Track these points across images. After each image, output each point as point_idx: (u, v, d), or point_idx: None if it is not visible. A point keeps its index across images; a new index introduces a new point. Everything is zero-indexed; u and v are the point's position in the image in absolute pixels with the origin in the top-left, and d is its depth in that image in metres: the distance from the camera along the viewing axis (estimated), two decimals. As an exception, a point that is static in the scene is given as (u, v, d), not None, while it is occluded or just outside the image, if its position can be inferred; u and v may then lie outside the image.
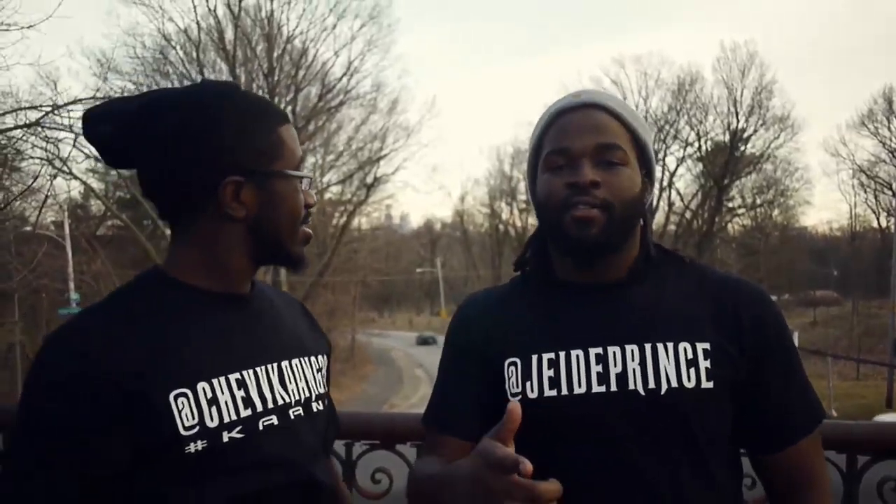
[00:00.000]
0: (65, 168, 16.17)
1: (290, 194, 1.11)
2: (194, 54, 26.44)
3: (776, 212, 45.69)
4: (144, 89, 24.83)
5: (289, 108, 29.62)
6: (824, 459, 1.25)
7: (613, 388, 1.14)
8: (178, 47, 26.35)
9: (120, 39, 29.11)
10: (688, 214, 42.98)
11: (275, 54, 28.41)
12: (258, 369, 1.09)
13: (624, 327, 1.17)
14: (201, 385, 1.01)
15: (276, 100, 28.73)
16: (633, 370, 1.14)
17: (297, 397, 1.14)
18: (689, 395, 1.12)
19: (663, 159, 43.50)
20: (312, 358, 1.21)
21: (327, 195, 34.78)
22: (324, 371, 1.25)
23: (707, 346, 1.15)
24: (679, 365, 1.13)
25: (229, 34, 26.98)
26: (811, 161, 61.62)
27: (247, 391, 1.06)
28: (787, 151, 40.21)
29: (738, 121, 38.94)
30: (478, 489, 0.91)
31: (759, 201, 43.32)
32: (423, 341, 46.90)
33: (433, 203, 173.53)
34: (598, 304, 1.20)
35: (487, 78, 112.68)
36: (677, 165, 42.82)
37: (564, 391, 1.15)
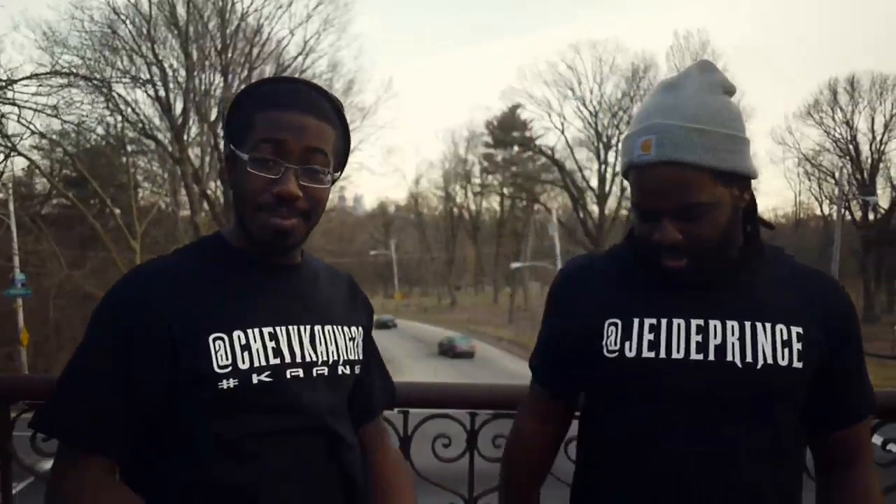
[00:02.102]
0: (9, 145, 15.67)
1: (243, 177, 1.16)
2: (145, 29, 25.78)
3: (725, 198, 46.54)
4: (93, 64, 24.24)
5: (242, 87, 29.10)
6: (870, 435, 1.37)
7: (711, 357, 1.21)
8: (127, 21, 25.63)
9: (67, 12, 28.22)
10: (639, 200, 43.51)
11: (228, 31, 27.89)
12: (290, 328, 1.21)
13: (726, 305, 1.24)
14: (237, 333, 1.14)
15: (230, 77, 28.22)
16: (732, 343, 1.21)
17: (325, 358, 1.24)
18: (783, 372, 1.21)
19: (616, 145, 44.02)
20: (345, 328, 1.30)
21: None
22: (358, 340, 1.33)
23: (800, 330, 1.23)
24: (775, 344, 1.21)
25: (181, 9, 26.39)
26: (758, 149, 63.05)
27: (277, 344, 1.18)
28: (736, 139, 41.03)
29: (689, 108, 39.55)
30: None
31: (708, 187, 44.10)
32: (383, 325, 43.99)
33: (388, 185, 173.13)
34: (702, 284, 1.25)
35: (444, 61, 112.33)
36: (630, 151, 43.34)
37: (663, 354, 1.22)
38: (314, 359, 1.22)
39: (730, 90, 1.25)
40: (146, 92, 26.90)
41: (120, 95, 26.18)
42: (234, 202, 1.20)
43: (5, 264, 20.11)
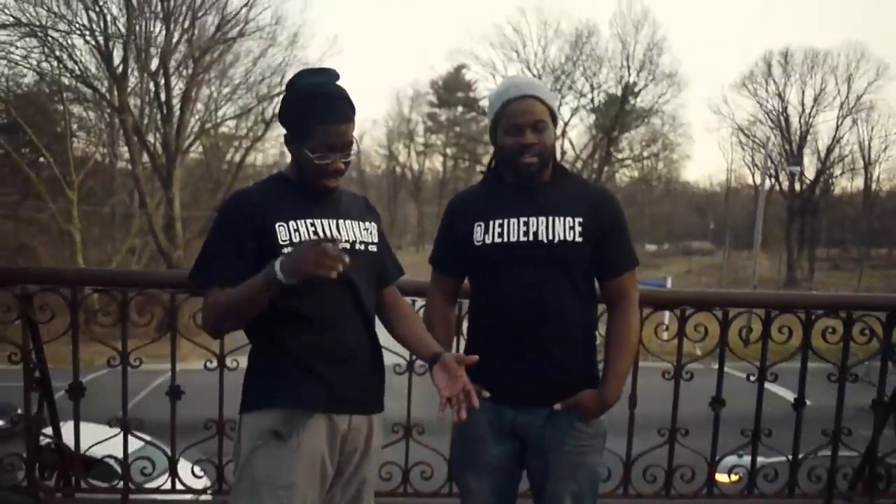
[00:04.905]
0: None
1: (309, 161, 1.95)
2: (81, -28, 24.97)
3: (661, 164, 47.94)
4: (26, 7, 23.37)
5: (185, 37, 28.57)
6: (637, 287, 2.23)
7: (531, 239, 2.11)
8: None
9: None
10: (578, 164, 44.41)
11: (171, -22, 27.20)
12: (323, 220, 2.02)
13: (540, 207, 2.13)
14: (291, 222, 1.96)
15: (172, 26, 27.65)
16: (542, 230, 2.11)
17: (347, 238, 2.03)
18: (570, 245, 2.11)
19: (558, 108, 44.48)
20: (360, 222, 2.11)
21: (222, 129, 33.91)
22: (372, 231, 2.13)
23: (581, 219, 2.12)
24: (566, 228, 2.11)
25: (121, -47, 25.61)
26: (694, 118, 64.56)
27: (316, 229, 1.99)
28: (673, 107, 42.25)
29: (629, 74, 40.41)
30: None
31: (645, 154, 45.32)
32: None
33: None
34: (528, 195, 2.15)
35: (389, 19, 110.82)
36: (571, 115, 44.05)
37: (506, 239, 2.12)
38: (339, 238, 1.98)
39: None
40: (84, 38, 26.23)
41: (55, 40, 25.50)
42: (300, 164, 1.98)
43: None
